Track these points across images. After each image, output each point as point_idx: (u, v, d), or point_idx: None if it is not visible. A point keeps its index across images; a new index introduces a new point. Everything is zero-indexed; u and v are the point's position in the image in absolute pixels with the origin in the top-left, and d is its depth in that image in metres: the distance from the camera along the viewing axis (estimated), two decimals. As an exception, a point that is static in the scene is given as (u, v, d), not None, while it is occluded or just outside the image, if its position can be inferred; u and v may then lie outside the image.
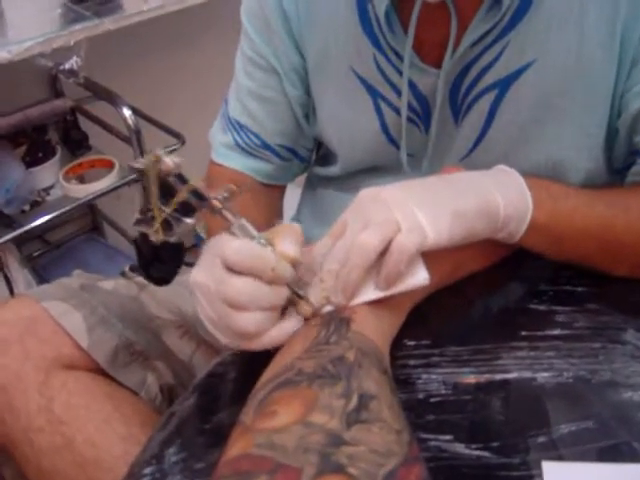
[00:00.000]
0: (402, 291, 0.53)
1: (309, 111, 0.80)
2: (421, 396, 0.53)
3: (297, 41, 0.74)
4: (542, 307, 0.62)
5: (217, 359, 0.61)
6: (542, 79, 0.65)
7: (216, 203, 0.52)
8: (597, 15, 0.61)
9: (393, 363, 0.53)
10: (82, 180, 1.58)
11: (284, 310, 0.53)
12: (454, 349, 0.57)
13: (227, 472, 0.39)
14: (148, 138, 1.46)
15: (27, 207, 1.51)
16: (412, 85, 0.69)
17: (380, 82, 0.71)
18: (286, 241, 0.52)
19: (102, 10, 1.35)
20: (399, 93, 0.70)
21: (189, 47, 1.86)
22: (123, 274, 0.85)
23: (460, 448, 0.49)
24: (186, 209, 0.53)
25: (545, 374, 0.55)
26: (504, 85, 0.66)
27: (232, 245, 0.50)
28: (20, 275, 1.57)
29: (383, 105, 0.72)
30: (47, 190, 1.56)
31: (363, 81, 0.72)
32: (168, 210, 0.52)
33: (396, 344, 0.56)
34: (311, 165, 0.91)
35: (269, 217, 0.85)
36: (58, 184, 1.56)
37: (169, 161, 0.51)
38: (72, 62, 1.37)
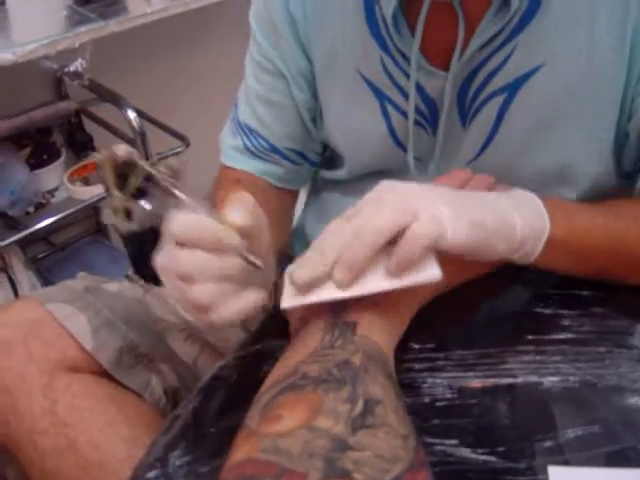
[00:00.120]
0: (411, 285, 0.51)
1: (316, 115, 0.80)
2: (426, 400, 0.53)
3: (304, 45, 0.73)
4: (548, 311, 0.62)
5: (221, 362, 0.61)
6: (551, 82, 0.64)
7: (164, 182, 0.53)
8: (608, 17, 0.60)
9: (398, 367, 0.52)
10: (87, 182, 1.58)
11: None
12: (460, 353, 0.57)
13: (232, 476, 0.38)
14: (153, 140, 1.46)
15: (32, 209, 1.51)
16: (419, 88, 0.69)
17: (387, 85, 0.71)
18: (234, 210, 0.50)
19: (107, 12, 1.36)
20: (406, 96, 0.70)
21: (193, 49, 1.86)
22: (128, 277, 0.85)
23: (466, 453, 0.49)
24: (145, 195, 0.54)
25: (551, 378, 0.54)
26: (513, 88, 0.65)
27: (177, 219, 0.49)
28: (24, 277, 1.58)
29: (390, 108, 0.72)
30: (52, 192, 1.56)
31: (370, 84, 0.71)
32: (120, 195, 0.53)
33: (401, 348, 0.56)
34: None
35: (280, 220, 0.85)
36: (63, 186, 1.56)
37: (121, 151, 0.52)
38: (77, 64, 1.38)
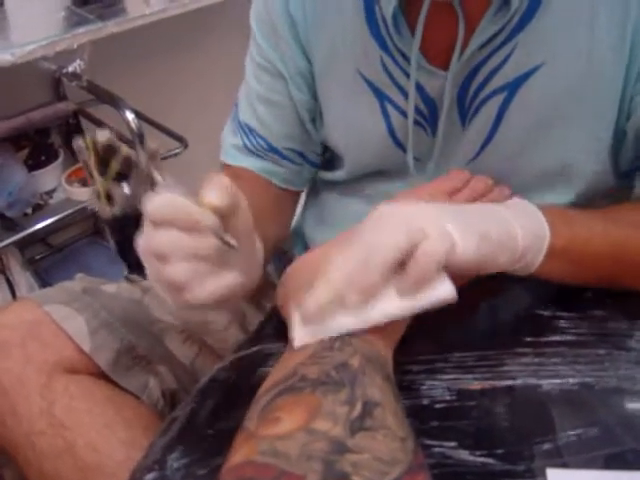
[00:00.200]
0: (426, 306, 0.50)
1: (316, 115, 0.80)
2: (425, 402, 0.53)
3: (304, 46, 0.74)
4: (547, 313, 0.62)
5: (219, 364, 0.61)
6: (551, 82, 0.64)
7: (143, 166, 0.54)
8: (608, 17, 0.60)
9: (397, 369, 0.52)
10: (85, 183, 1.58)
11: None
12: (458, 355, 0.57)
13: (230, 479, 0.38)
14: (151, 141, 1.46)
15: (29, 210, 1.51)
16: (419, 87, 0.69)
17: (387, 84, 0.71)
18: (210, 190, 0.50)
19: (105, 13, 1.36)
20: (406, 96, 0.70)
21: (192, 50, 1.86)
22: (126, 278, 0.85)
23: (464, 455, 0.49)
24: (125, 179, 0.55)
25: (550, 381, 0.54)
26: (512, 88, 0.65)
27: (152, 200, 0.50)
28: (22, 278, 1.58)
29: (390, 108, 0.72)
30: (50, 193, 1.56)
31: (370, 84, 0.71)
32: (102, 179, 0.54)
33: (400, 350, 0.55)
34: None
35: (279, 216, 0.84)
36: (60, 187, 1.56)
37: (102, 136, 0.53)
38: (75, 65, 1.37)
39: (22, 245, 1.63)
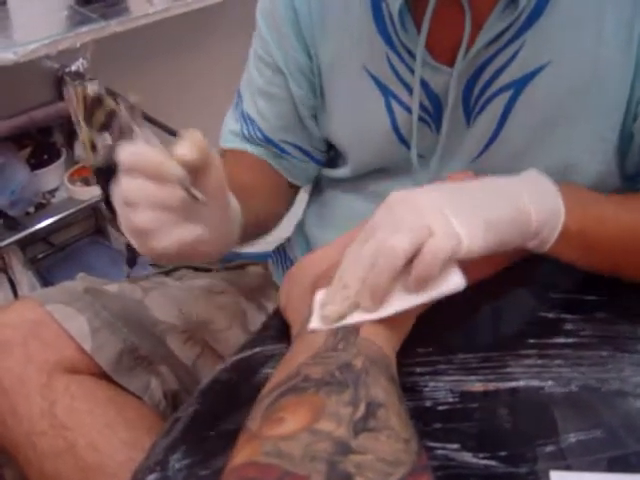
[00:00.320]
0: (435, 298, 0.51)
1: (317, 112, 0.80)
2: (428, 404, 0.53)
3: (307, 42, 0.74)
4: (551, 315, 0.61)
5: (221, 365, 0.61)
6: (557, 81, 0.64)
7: (124, 117, 0.54)
8: (616, 18, 0.60)
9: (400, 370, 0.52)
10: (87, 182, 1.58)
11: None
12: (461, 356, 0.57)
13: (233, 479, 0.38)
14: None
15: (32, 209, 1.51)
16: (424, 84, 0.69)
17: (392, 80, 0.70)
18: (181, 144, 0.51)
19: (108, 12, 1.36)
20: (411, 92, 0.70)
21: (194, 49, 1.87)
22: (128, 278, 0.85)
23: (467, 457, 0.48)
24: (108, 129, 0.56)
25: (553, 383, 0.54)
26: (519, 86, 0.65)
27: (125, 149, 0.51)
28: (24, 277, 1.58)
29: (394, 104, 0.72)
30: (52, 192, 1.56)
31: (375, 79, 0.71)
32: (87, 129, 0.55)
33: (403, 351, 0.55)
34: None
35: (272, 198, 0.84)
36: (63, 186, 1.56)
37: (91, 88, 0.54)
38: (78, 64, 1.37)
39: (24, 244, 1.63)
